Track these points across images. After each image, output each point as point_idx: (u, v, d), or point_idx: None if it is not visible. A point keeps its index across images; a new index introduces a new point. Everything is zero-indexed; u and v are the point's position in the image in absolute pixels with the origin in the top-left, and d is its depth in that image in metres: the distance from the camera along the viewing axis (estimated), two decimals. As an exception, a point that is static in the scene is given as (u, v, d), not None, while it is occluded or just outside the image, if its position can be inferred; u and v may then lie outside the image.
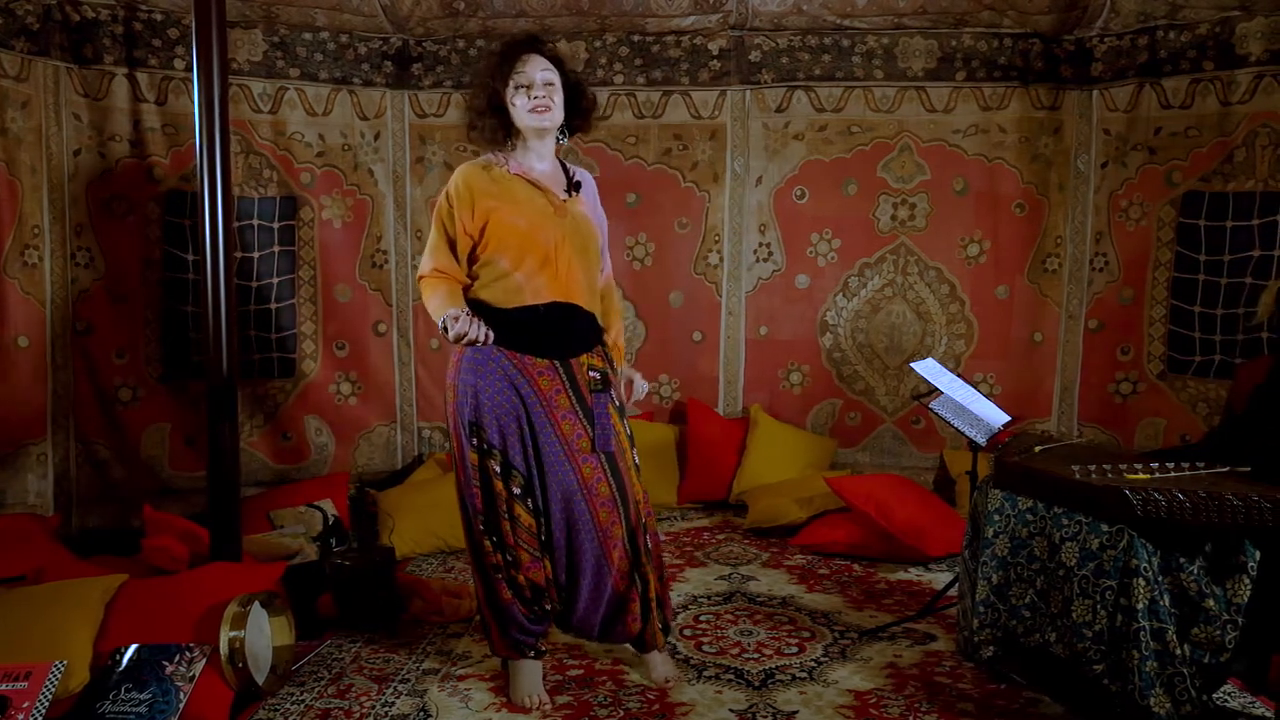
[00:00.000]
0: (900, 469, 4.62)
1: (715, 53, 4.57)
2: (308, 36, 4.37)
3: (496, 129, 2.48)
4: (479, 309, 2.43)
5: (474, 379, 2.43)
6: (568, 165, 2.62)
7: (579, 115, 2.57)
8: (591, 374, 2.48)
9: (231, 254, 2.92)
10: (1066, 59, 4.41)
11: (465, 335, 2.32)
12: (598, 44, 4.57)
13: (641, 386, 2.67)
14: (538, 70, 2.44)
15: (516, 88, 2.43)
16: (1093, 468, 2.28)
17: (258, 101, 4.33)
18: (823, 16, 4.41)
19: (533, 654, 2.59)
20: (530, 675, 2.58)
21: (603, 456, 2.47)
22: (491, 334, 2.37)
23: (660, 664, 2.68)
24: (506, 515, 2.46)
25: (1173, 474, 2.23)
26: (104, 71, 4.01)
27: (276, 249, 4.40)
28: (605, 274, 2.72)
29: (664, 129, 4.66)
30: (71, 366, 4.00)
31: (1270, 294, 2.25)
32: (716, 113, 4.64)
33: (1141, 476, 2.19)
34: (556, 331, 2.46)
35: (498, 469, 2.44)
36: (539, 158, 2.52)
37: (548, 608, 2.55)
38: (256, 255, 4.35)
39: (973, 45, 4.45)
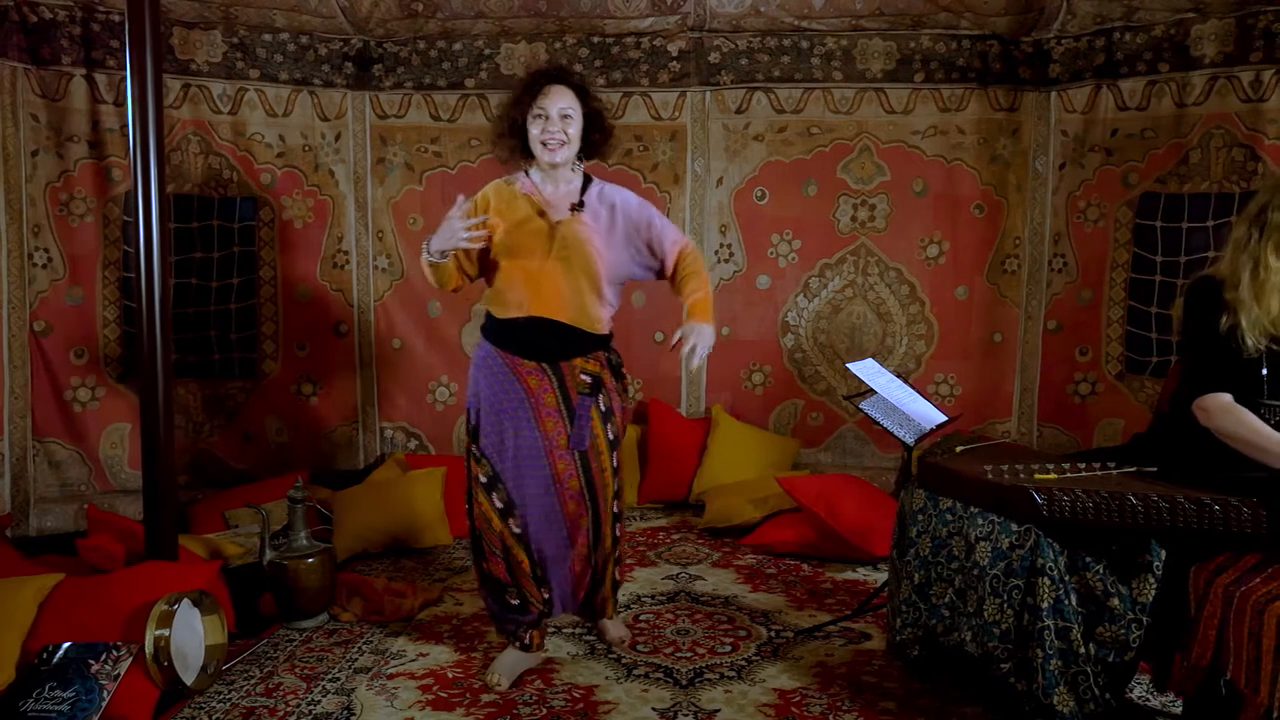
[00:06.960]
0: (862, 469, 4.62)
1: (675, 54, 4.58)
2: (267, 38, 4.38)
3: (515, 149, 2.69)
4: (487, 316, 2.75)
5: (477, 372, 2.72)
6: (593, 187, 2.73)
7: (593, 146, 2.73)
8: (583, 377, 2.66)
9: (167, 258, 2.91)
10: (1024, 60, 4.41)
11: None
12: (557, 45, 4.57)
13: (699, 347, 2.54)
14: (556, 103, 2.60)
15: (534, 117, 2.61)
16: (1005, 467, 2.29)
17: (217, 103, 4.34)
18: (780, 18, 4.41)
19: (518, 645, 2.72)
20: (511, 659, 2.72)
21: (576, 455, 2.66)
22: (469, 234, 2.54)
23: (613, 628, 2.98)
24: (486, 504, 2.69)
25: (1083, 474, 2.24)
26: (62, 72, 4.03)
27: (237, 249, 4.42)
28: (675, 244, 2.75)
29: (624, 130, 4.61)
30: (29, 366, 4.01)
31: (1178, 307, 2.28)
32: (676, 114, 4.65)
33: (1050, 477, 2.20)
34: (536, 341, 2.65)
35: (483, 476, 2.69)
36: (552, 181, 2.69)
37: (531, 601, 2.70)
38: (216, 255, 4.37)
39: (931, 47, 4.46)
